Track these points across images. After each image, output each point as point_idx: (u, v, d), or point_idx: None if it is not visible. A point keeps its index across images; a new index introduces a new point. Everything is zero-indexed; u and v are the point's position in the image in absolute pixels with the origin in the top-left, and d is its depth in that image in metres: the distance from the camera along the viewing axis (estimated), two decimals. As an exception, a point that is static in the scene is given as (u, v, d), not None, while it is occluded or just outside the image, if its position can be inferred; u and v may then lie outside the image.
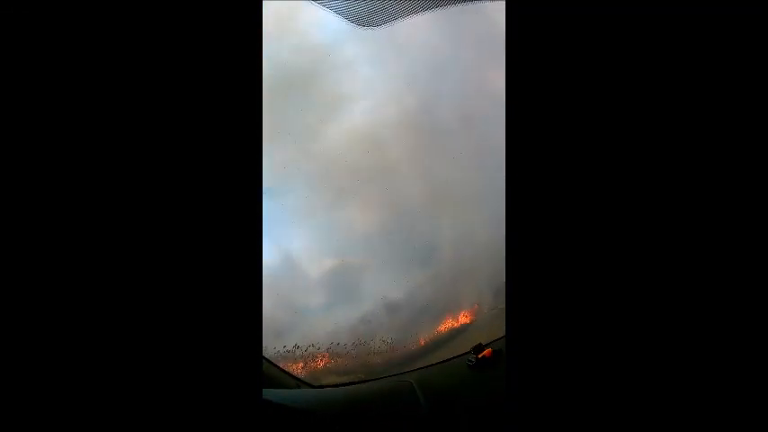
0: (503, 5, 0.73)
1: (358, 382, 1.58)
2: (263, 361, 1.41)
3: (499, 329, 1.54)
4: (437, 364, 1.51)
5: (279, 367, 1.46)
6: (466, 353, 1.44)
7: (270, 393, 1.17)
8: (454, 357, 1.48)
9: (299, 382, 1.47)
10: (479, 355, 1.34)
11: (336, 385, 1.53)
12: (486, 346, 1.37)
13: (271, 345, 2.37)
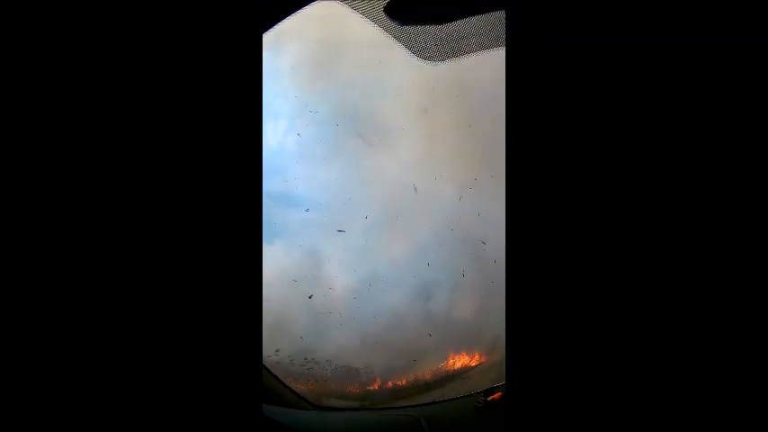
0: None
1: (361, 409, 1.54)
2: (266, 374, 1.38)
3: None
4: (444, 401, 1.48)
5: (282, 382, 1.43)
6: (476, 393, 1.41)
7: (271, 411, 1.14)
8: (463, 396, 1.45)
9: (301, 400, 1.43)
10: (489, 398, 1.31)
11: (339, 409, 1.50)
12: (498, 389, 1.34)
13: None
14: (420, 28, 0.96)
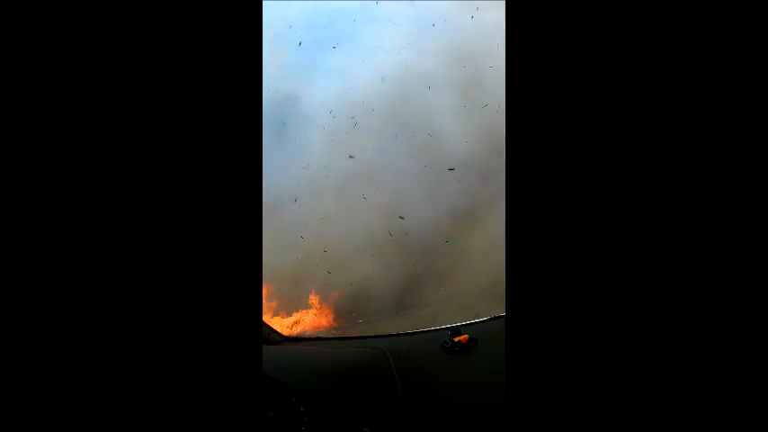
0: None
1: (329, 339, 1.58)
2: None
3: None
4: (409, 333, 1.52)
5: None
6: (441, 328, 1.45)
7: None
8: (429, 330, 1.49)
9: (272, 332, 1.44)
10: (456, 339, 1.35)
11: (308, 339, 1.53)
12: (465, 330, 1.38)
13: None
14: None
